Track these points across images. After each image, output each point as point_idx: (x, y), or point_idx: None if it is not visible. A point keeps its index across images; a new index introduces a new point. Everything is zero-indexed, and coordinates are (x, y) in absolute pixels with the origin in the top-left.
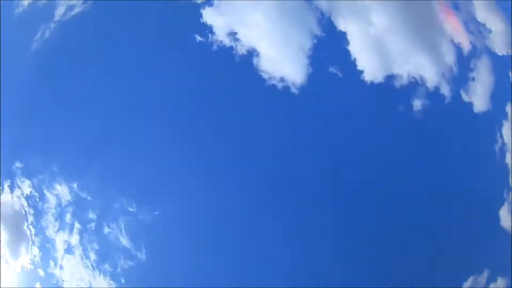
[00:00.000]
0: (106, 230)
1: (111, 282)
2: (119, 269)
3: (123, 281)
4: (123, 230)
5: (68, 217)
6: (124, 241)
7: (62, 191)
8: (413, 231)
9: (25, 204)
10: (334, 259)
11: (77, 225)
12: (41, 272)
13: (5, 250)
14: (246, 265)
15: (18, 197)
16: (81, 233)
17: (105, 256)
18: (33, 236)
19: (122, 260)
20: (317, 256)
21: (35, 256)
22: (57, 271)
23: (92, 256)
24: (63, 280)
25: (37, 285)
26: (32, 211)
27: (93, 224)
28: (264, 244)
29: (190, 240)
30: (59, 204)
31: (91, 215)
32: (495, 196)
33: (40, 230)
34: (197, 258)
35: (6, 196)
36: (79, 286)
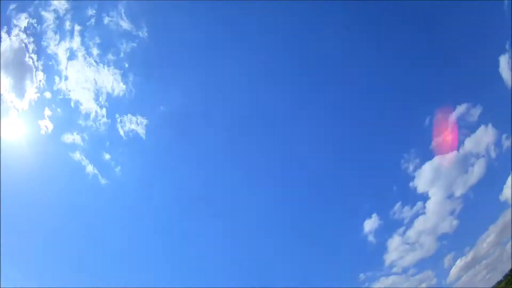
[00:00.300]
0: (106, 20)
1: (115, 70)
2: (122, 54)
3: (126, 65)
4: (123, 14)
5: (68, 25)
6: (125, 24)
7: (59, 3)
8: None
9: (24, 37)
10: None
11: (77, 28)
12: (48, 95)
13: (10, 97)
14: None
15: (16, 35)
16: (82, 33)
17: (107, 46)
18: (35, 62)
19: (124, 44)
20: None
21: (40, 81)
22: (62, 85)
23: (95, 51)
24: (69, 91)
25: (46, 110)
26: (32, 39)
27: (93, 20)
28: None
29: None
30: (57, 17)
31: (90, 11)
32: (498, 41)
33: (42, 52)
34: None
35: (5, 43)
36: (85, 88)
